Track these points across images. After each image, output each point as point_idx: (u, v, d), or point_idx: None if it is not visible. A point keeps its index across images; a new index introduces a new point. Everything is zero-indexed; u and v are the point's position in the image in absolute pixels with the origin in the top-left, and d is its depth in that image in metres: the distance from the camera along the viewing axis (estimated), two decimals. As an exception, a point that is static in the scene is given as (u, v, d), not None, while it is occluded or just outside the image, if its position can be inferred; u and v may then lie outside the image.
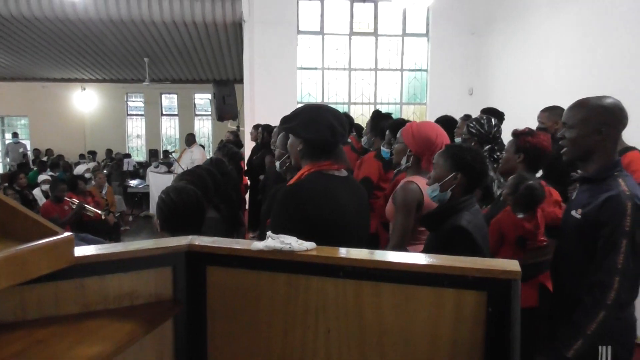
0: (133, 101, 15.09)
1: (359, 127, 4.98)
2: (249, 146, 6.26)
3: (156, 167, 9.60)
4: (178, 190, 1.76)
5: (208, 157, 4.98)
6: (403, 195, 2.01)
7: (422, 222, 1.84)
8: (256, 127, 5.59)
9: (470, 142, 2.66)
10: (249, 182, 5.29)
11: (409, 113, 7.62)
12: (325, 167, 1.60)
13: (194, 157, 7.24)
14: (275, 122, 5.17)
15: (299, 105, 1.76)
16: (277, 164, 2.38)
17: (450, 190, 1.79)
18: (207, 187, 2.19)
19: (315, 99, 7.47)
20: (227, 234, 2.43)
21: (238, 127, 8.46)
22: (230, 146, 4.33)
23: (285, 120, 1.66)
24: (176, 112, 15.03)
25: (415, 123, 2.27)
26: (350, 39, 7.43)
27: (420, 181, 2.04)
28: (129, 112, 14.98)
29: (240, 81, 8.22)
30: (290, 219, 1.43)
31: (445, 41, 7.28)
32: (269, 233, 1.21)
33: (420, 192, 2.01)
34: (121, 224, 6.79)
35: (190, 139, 7.57)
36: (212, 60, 10.53)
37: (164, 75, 12.78)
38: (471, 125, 2.69)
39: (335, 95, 7.52)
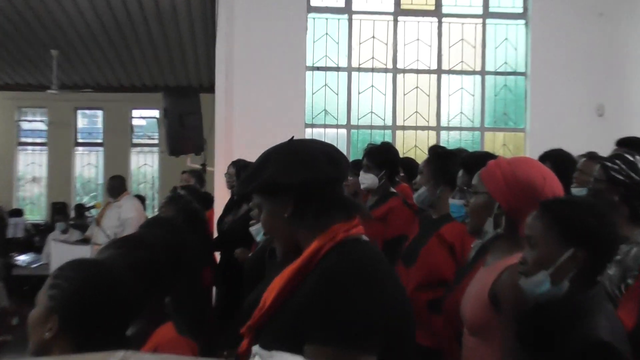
0: (29, 121, 15.52)
1: (410, 164, 5.08)
2: (221, 198, 6.34)
3: (63, 232, 9.67)
4: (90, 266, 1.78)
5: (150, 215, 5.02)
6: (518, 293, 1.98)
7: (519, 336, 1.83)
8: (235, 165, 5.70)
9: (610, 195, 2.70)
10: (220, 260, 5.36)
11: (496, 145, 7.73)
12: (355, 231, 1.67)
13: (124, 216, 7.40)
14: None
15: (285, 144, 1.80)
16: (257, 228, 2.44)
17: (568, 279, 1.81)
18: (153, 267, 2.20)
19: (336, 119, 7.62)
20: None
21: (204, 165, 8.60)
22: (188, 198, 4.39)
23: (247, 178, 1.77)
24: (100, 140, 15.40)
25: (505, 161, 2.31)
26: (395, 21, 7.64)
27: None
28: (21, 140, 15.42)
29: (211, 90, 8.44)
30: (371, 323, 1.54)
31: (557, 27, 7.43)
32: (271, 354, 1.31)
33: None
34: (-1, 331, 6.74)
35: (117, 186, 7.76)
36: (163, 54, 10.90)
37: (82, 80, 13.21)
38: (614, 168, 2.74)
39: (369, 115, 7.68)
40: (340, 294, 1.52)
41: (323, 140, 1.83)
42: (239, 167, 5.39)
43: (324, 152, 1.69)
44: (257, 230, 2.53)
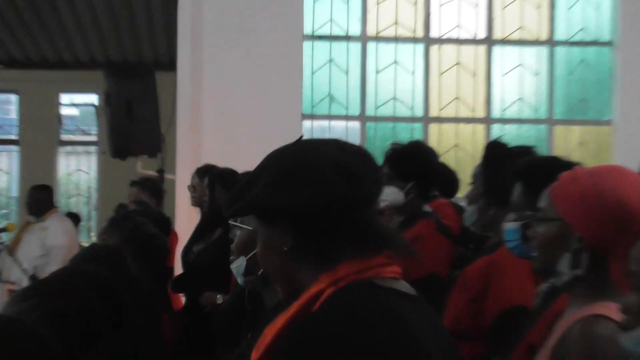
0: None
1: (447, 172, 5.08)
2: (185, 219, 6.32)
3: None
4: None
5: (90, 241, 4.99)
6: (593, 353, 2.02)
7: None
8: (202, 173, 5.70)
9: None
10: (185, 307, 5.35)
11: (570, 144, 7.74)
12: (377, 273, 1.68)
13: (50, 243, 7.42)
14: (245, 162, 5.32)
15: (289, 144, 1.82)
16: (239, 265, 2.46)
17: None
18: (83, 322, 2.21)
19: (345, 108, 7.62)
20: None
21: (161, 172, 8.59)
22: (140, 219, 4.40)
23: (234, 196, 1.80)
24: (14, 136, 15.36)
25: (586, 172, 2.29)
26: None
27: (611, 314, 2.03)
28: None
29: (170, 68, 8.43)
30: None
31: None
32: None
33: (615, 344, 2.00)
34: None
35: (41, 200, 7.75)
36: (105, 18, 10.92)
37: (-8, 52, 13.25)
38: None
39: (392, 103, 7.69)
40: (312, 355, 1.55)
41: (341, 140, 1.80)
42: (213, 176, 5.36)
43: (341, 161, 1.68)
44: (238, 269, 2.55)
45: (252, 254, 2.38)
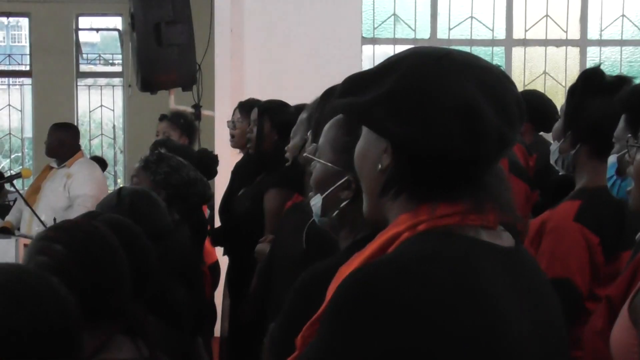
0: None
1: (534, 102, 5.05)
2: (227, 163, 6.41)
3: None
4: (9, 280, 1.86)
5: (113, 189, 5.03)
6: None
7: None
8: (246, 107, 5.72)
9: None
10: (223, 256, 5.47)
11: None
12: (462, 220, 1.70)
13: (76, 192, 7.48)
14: (296, 95, 5.30)
15: (382, 58, 1.85)
16: (315, 203, 2.51)
17: None
18: (114, 272, 2.29)
19: (413, 29, 7.61)
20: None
21: (197, 107, 8.64)
22: (175, 161, 4.46)
23: (346, 87, 1.82)
24: (26, 67, 15.52)
25: None
26: None
27: None
28: None
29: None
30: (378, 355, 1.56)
31: None
32: None
33: None
34: None
35: (65, 142, 7.79)
36: None
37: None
38: None
39: (468, 22, 7.69)
40: (335, 313, 1.61)
41: (491, 70, 1.75)
42: (262, 108, 5.33)
43: (474, 109, 1.65)
44: (315, 207, 2.61)
45: (326, 193, 2.45)
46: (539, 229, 3.32)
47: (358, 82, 1.79)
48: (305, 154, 2.63)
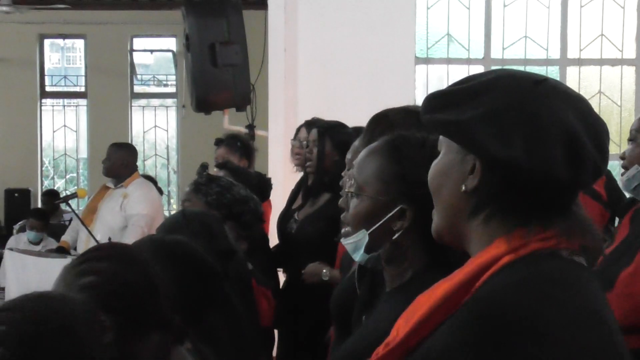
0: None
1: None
2: (281, 183, 6.45)
3: (24, 232, 10.10)
4: (52, 310, 1.89)
5: (170, 211, 5.06)
6: None
7: None
8: (309, 126, 5.73)
9: None
10: (284, 280, 5.48)
11: None
12: (558, 244, 1.70)
13: (132, 211, 7.52)
14: (350, 115, 5.33)
15: (462, 77, 1.83)
16: (359, 239, 2.51)
17: None
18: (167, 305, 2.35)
19: (467, 49, 7.62)
20: None
21: (251, 127, 8.69)
22: (225, 181, 4.50)
23: (434, 104, 1.81)
24: (81, 88, 15.65)
25: None
26: None
27: None
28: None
29: (260, 4, 8.51)
30: None
31: None
32: None
33: None
34: None
35: (124, 162, 7.85)
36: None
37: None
38: None
39: (522, 41, 7.66)
40: (491, 343, 1.58)
41: (584, 103, 1.76)
42: (322, 128, 5.34)
43: (574, 134, 1.68)
44: (358, 243, 2.57)
45: (374, 227, 2.39)
46: None
47: (447, 99, 1.77)
48: (347, 191, 2.60)
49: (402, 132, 2.43)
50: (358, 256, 2.44)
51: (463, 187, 1.72)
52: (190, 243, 2.82)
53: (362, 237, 2.38)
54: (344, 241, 2.46)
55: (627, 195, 3.74)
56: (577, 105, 1.71)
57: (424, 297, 1.73)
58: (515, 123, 1.67)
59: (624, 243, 3.45)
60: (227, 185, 4.28)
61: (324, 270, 4.66)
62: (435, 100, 1.79)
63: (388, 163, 2.31)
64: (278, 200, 6.00)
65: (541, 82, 1.72)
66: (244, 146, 7.06)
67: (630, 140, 3.53)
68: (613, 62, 7.67)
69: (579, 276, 1.68)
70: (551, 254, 1.67)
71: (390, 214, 2.29)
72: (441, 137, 1.82)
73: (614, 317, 1.72)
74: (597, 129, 1.71)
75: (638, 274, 3.28)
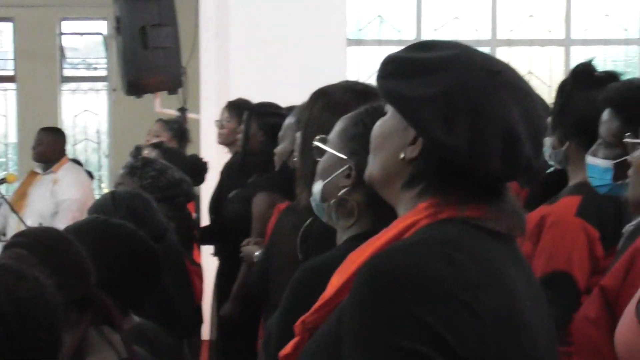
0: None
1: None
2: (213, 165, 6.44)
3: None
4: (13, 280, 1.90)
5: (100, 193, 5.02)
6: None
7: None
8: (234, 107, 5.75)
9: None
10: (214, 256, 5.53)
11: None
12: (473, 214, 1.75)
13: (62, 196, 7.49)
14: (282, 97, 5.33)
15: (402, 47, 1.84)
16: (316, 189, 2.53)
17: None
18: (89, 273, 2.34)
19: (399, 30, 7.64)
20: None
21: (183, 110, 8.63)
22: (160, 164, 4.48)
23: (390, 68, 1.82)
24: (9, 72, 15.41)
25: None
26: None
27: None
28: None
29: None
30: (404, 344, 1.59)
31: None
32: None
33: None
34: None
35: (52, 147, 7.80)
36: None
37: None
38: None
39: (453, 22, 7.74)
40: (375, 299, 1.62)
41: (532, 94, 1.78)
42: (252, 110, 5.34)
43: (516, 133, 1.72)
44: (315, 193, 2.59)
45: (329, 179, 2.45)
46: (537, 223, 3.31)
47: (404, 67, 1.78)
48: (314, 142, 2.63)
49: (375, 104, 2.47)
50: (314, 204, 2.50)
51: (402, 155, 1.76)
52: (133, 227, 2.82)
53: (318, 187, 2.44)
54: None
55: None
56: (524, 101, 1.75)
57: (355, 254, 1.77)
58: (462, 112, 1.69)
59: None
60: (162, 169, 4.28)
61: (256, 253, 4.69)
62: (391, 65, 1.81)
63: (350, 124, 2.36)
64: (211, 181, 6.03)
65: (494, 73, 1.74)
66: (179, 128, 7.07)
67: (550, 113, 3.57)
68: (542, 43, 7.76)
69: (487, 243, 1.72)
70: (464, 221, 1.72)
71: (340, 171, 2.34)
72: None
73: (525, 288, 1.76)
74: (537, 127, 1.76)
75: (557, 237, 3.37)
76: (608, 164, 3.00)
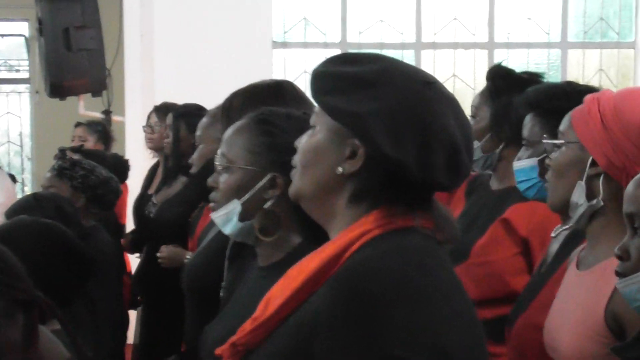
0: None
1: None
2: (138, 166, 6.39)
3: None
4: None
5: (22, 196, 4.95)
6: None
7: None
8: (162, 111, 5.70)
9: None
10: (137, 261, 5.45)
11: (588, 70, 7.78)
12: (418, 224, 1.76)
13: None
14: (207, 99, 5.29)
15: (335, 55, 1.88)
16: (231, 210, 2.49)
17: None
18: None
19: (324, 33, 7.65)
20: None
21: (107, 113, 8.56)
22: (87, 163, 4.45)
23: (326, 85, 1.81)
24: None
25: (608, 95, 2.37)
26: None
27: None
28: None
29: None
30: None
31: None
32: None
33: None
34: None
35: None
36: None
37: None
38: None
39: (378, 26, 7.73)
40: (364, 313, 1.62)
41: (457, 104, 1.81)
42: (177, 113, 5.32)
43: (454, 140, 1.73)
44: (230, 214, 2.52)
45: (247, 197, 2.37)
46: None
47: (336, 83, 1.78)
48: (217, 164, 2.56)
49: (267, 107, 2.44)
50: (229, 228, 2.40)
51: (339, 170, 1.75)
52: (63, 227, 2.80)
53: (233, 207, 2.36)
54: (214, 214, 2.42)
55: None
56: (455, 109, 1.77)
57: (295, 270, 1.77)
58: (409, 126, 1.70)
59: (467, 216, 3.53)
60: (90, 168, 4.27)
61: (188, 255, 4.66)
62: (324, 82, 1.80)
63: (256, 135, 2.31)
64: (137, 185, 5.95)
65: (430, 85, 1.76)
66: (103, 130, 7.01)
67: (471, 116, 3.59)
68: (466, 46, 7.81)
69: (439, 250, 1.76)
70: (414, 230, 1.73)
71: (262, 182, 2.29)
72: (317, 112, 1.83)
73: (465, 297, 1.79)
74: (468, 133, 1.78)
75: (491, 244, 3.36)
76: (533, 162, 3.02)
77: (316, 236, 1.89)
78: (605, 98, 2.33)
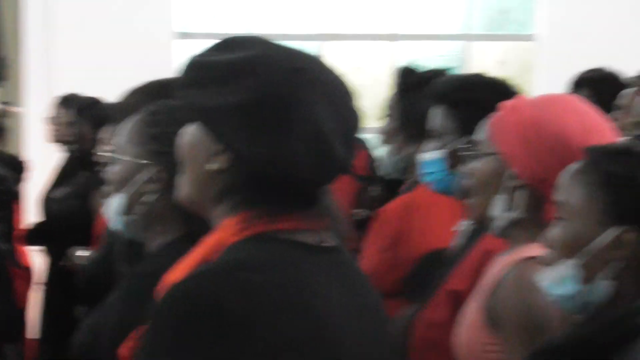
0: None
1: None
2: (39, 161, 6.29)
3: None
4: None
5: None
6: (528, 300, 2.13)
7: None
8: (67, 103, 5.64)
9: None
10: (39, 259, 5.41)
11: (490, 61, 7.83)
12: (285, 227, 1.72)
13: None
14: (108, 91, 5.21)
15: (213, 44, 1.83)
16: (116, 202, 2.46)
17: (613, 277, 1.88)
18: None
19: (225, 24, 7.62)
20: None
21: (5, 104, 8.40)
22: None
23: (191, 77, 1.78)
24: None
25: (526, 102, 2.40)
26: None
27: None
28: None
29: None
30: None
31: None
32: None
33: None
34: None
35: None
36: None
37: None
38: None
39: (282, 18, 7.76)
40: (159, 321, 1.61)
41: (340, 86, 1.75)
42: (81, 107, 5.32)
43: (322, 131, 1.68)
44: (115, 208, 2.49)
45: (134, 188, 2.35)
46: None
47: (205, 74, 1.74)
48: (101, 153, 2.54)
49: (163, 100, 2.40)
50: (116, 222, 2.39)
51: (209, 166, 1.72)
52: None
53: (119, 200, 2.34)
54: (103, 209, 2.43)
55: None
56: (333, 97, 1.72)
57: (170, 275, 1.72)
58: (264, 120, 1.66)
59: None
60: None
61: (77, 252, 4.61)
62: (192, 72, 1.77)
63: (142, 126, 2.30)
64: (37, 179, 5.88)
65: (299, 71, 1.70)
66: (-1, 123, 6.88)
67: (387, 116, 3.58)
68: (369, 37, 7.83)
69: (297, 259, 1.69)
70: (272, 237, 1.69)
71: (146, 177, 2.28)
72: None
73: (345, 301, 1.74)
74: (348, 125, 1.73)
75: None
76: (441, 154, 3.02)
77: (201, 223, 1.85)
78: (524, 106, 2.33)
